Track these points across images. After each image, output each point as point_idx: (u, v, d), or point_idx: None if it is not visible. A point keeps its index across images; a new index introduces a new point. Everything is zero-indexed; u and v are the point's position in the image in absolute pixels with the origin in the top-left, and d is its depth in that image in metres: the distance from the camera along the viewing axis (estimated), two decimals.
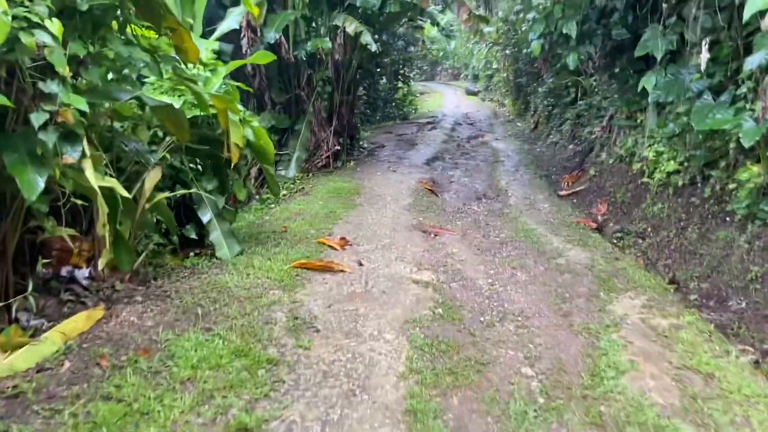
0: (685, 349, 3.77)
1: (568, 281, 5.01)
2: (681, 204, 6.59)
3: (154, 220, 5.09)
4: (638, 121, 8.53)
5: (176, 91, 5.58)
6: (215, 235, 5.38)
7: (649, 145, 7.72)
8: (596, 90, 11.39)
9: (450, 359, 3.54)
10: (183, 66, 4.58)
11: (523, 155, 11.98)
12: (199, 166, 5.67)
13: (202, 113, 5.37)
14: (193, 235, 5.53)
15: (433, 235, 6.31)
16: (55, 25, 3.10)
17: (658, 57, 6.51)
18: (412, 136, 15.01)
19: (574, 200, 9.20)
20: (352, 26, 9.69)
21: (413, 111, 23.28)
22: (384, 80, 20.59)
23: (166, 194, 4.93)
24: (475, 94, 28.68)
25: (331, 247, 5.60)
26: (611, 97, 9.70)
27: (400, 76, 21.46)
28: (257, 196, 8.57)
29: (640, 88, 6.34)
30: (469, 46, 30.28)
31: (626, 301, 4.63)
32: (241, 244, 5.49)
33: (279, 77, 10.97)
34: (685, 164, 6.66)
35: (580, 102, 12.20)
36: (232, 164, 5.11)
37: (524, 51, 20.15)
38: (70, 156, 3.31)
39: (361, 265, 5.14)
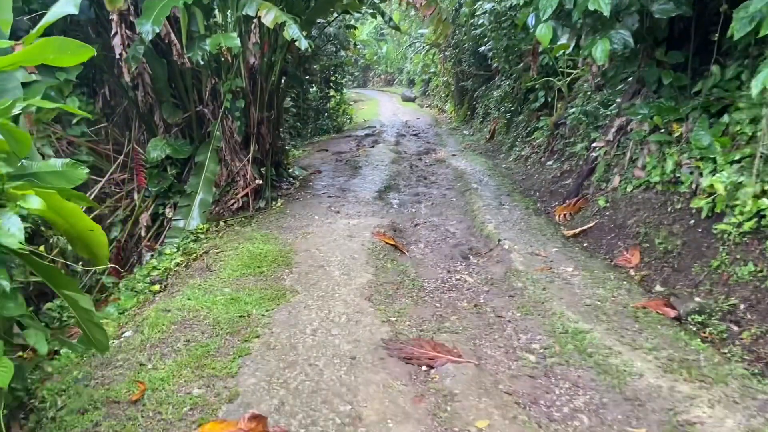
0: None
1: None
2: None
3: None
4: (676, 134, 5.91)
5: None
6: None
7: (713, 171, 5.08)
8: (588, 93, 8.76)
9: None
10: None
11: (496, 178, 9.19)
12: None
13: None
14: None
15: (425, 370, 3.34)
16: None
17: None
18: (352, 154, 11.99)
19: (585, 243, 6.47)
20: (270, 15, 6.60)
21: (348, 121, 20.32)
22: (314, 88, 17.51)
23: None
24: (412, 100, 25.99)
25: None
26: (624, 102, 7.06)
27: (331, 84, 18.45)
28: (117, 302, 5.37)
29: (758, 89, 3.65)
30: (402, 50, 27.63)
31: None
32: None
33: (172, 89, 7.74)
34: None
35: (572, 107, 9.54)
36: None
37: (467, 52, 17.63)
38: None
39: None
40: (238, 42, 6.65)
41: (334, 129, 17.99)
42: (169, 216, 7.26)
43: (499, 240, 6.02)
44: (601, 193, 7.26)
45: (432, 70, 22.82)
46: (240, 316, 4.04)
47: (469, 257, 5.78)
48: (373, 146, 13.17)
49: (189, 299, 4.40)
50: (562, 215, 7.49)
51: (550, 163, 9.59)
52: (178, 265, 5.80)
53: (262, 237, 6.04)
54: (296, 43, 6.66)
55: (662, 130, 6.25)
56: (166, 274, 5.68)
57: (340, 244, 5.75)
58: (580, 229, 6.81)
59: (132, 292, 5.48)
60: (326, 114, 18.21)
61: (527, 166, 10.34)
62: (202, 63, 6.82)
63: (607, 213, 6.81)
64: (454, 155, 11.74)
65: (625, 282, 4.87)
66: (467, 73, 18.07)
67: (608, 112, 7.87)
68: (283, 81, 9.12)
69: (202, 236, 6.63)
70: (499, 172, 9.64)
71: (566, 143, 9.40)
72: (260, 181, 7.78)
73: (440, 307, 4.44)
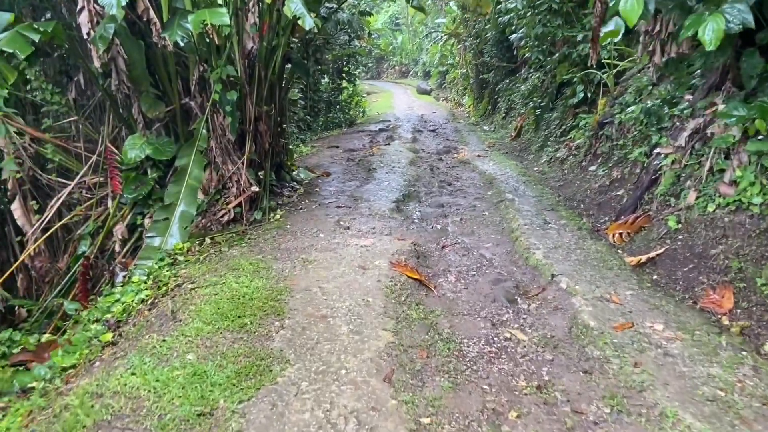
0: None
1: None
2: None
3: None
4: None
5: None
6: None
7: None
8: (649, 87, 7.26)
9: None
10: None
11: (533, 186, 7.71)
12: None
13: None
14: None
15: None
16: None
17: None
18: (365, 153, 10.55)
19: (655, 275, 5.03)
20: None
21: (361, 114, 18.86)
22: (325, 79, 16.07)
23: None
24: (427, 93, 24.42)
25: None
26: (698, 99, 5.58)
27: (344, 74, 16.99)
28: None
29: None
30: (418, 40, 26.02)
31: None
32: None
33: (153, 78, 6.35)
34: None
35: (620, 104, 8.03)
36: None
37: (489, 42, 16.07)
38: None
39: None
40: (226, 19, 5.22)
41: (346, 122, 16.55)
42: (148, 227, 5.90)
43: (553, 275, 4.59)
44: (669, 211, 5.79)
45: (449, 62, 21.26)
46: (199, 414, 2.65)
47: (516, 299, 4.35)
48: (387, 143, 11.71)
49: (134, 374, 3.02)
50: (617, 235, 6.03)
51: (593, 168, 8.10)
52: (143, 301, 4.43)
53: (252, 266, 4.64)
54: (299, 22, 5.23)
55: (760, 137, 4.78)
56: (126, 313, 4.32)
57: (350, 280, 4.33)
58: (646, 256, 5.35)
59: (82, 334, 4.12)
60: (338, 106, 16.77)
61: (564, 171, 8.85)
62: (182, 45, 5.41)
63: (680, 237, 5.36)
64: (478, 155, 10.26)
65: (741, 350, 3.41)
66: (489, 64, 16.52)
67: (675, 112, 6.37)
68: (287, 70, 7.69)
69: (181, 258, 5.25)
70: (535, 179, 8.16)
71: (613, 146, 7.91)
72: (256, 188, 6.39)
73: (490, 392, 3.03)
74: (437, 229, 6.07)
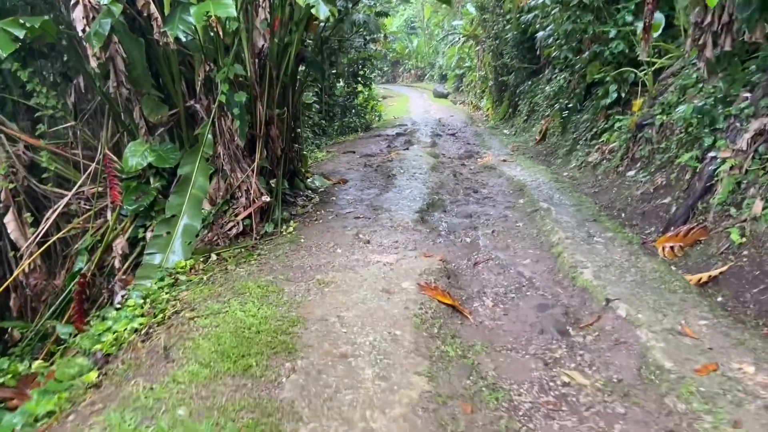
0: None
1: None
2: None
3: None
4: None
5: None
6: None
7: None
8: (700, 85, 6.54)
9: None
10: None
11: (568, 193, 7.00)
12: None
13: None
14: None
15: None
16: None
17: None
18: (383, 158, 9.91)
19: (720, 297, 4.32)
20: None
21: (377, 118, 18.28)
22: (341, 83, 15.49)
23: None
24: (444, 96, 23.75)
25: None
26: (760, 97, 4.87)
27: (359, 78, 16.40)
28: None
29: None
30: (434, 43, 25.38)
31: None
32: None
33: (154, 79, 5.78)
34: None
35: (662, 103, 7.30)
36: None
37: (510, 43, 15.36)
38: None
39: None
40: (233, 11, 4.61)
41: (362, 127, 15.95)
42: (148, 243, 5.31)
43: (608, 300, 3.90)
44: (730, 222, 5.07)
45: (467, 64, 20.58)
46: None
47: (568, 330, 3.67)
48: (406, 148, 11.07)
49: None
50: (667, 248, 5.31)
51: (632, 173, 7.37)
52: (136, 331, 3.82)
53: (260, 289, 4.01)
54: (313, 11, 4.61)
55: None
56: (116, 345, 3.72)
57: (373, 308, 3.68)
58: (707, 274, 4.63)
59: (65, 371, 3.53)
60: (353, 111, 16.18)
61: (597, 176, 8.13)
62: (184, 41, 4.82)
63: (746, 252, 4.65)
64: (503, 160, 9.57)
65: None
66: (509, 66, 15.82)
67: (732, 111, 5.65)
68: (300, 71, 7.09)
69: (183, 278, 4.65)
70: (569, 185, 7.45)
71: (654, 149, 7.19)
72: (268, 198, 5.77)
73: None
74: (467, 243, 5.40)
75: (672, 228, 5.67)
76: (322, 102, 13.96)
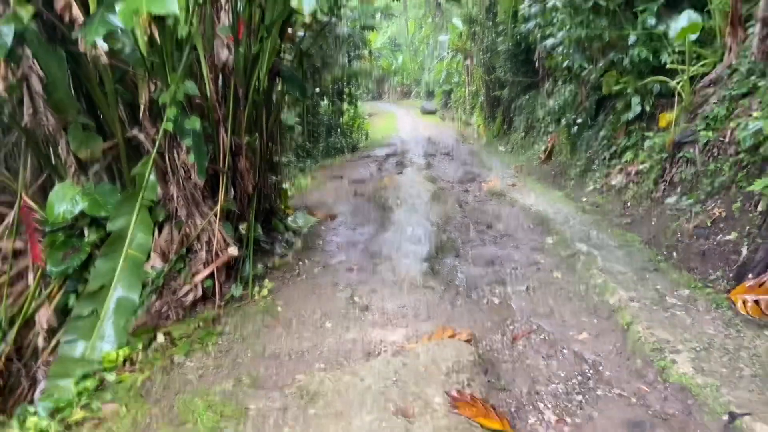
0: None
1: None
2: None
3: None
4: None
5: None
6: None
7: None
8: (733, 97, 5.30)
9: None
10: None
11: (607, 230, 5.68)
12: None
13: None
14: None
15: None
16: None
17: None
18: (375, 185, 8.56)
19: None
20: None
21: (364, 137, 16.97)
22: (325, 102, 14.20)
23: None
24: (432, 113, 22.54)
25: None
26: None
27: (344, 96, 15.11)
28: None
29: None
30: (420, 59, 24.24)
31: None
32: None
33: (84, 103, 4.38)
34: None
35: (705, 117, 6.02)
36: None
37: (503, 55, 14.18)
38: None
39: None
40: (174, 7, 3.25)
41: (348, 147, 14.63)
42: (66, 327, 3.87)
43: (732, 416, 2.56)
44: None
45: (455, 80, 19.40)
46: None
47: None
48: (400, 172, 9.74)
49: None
50: (749, 302, 4.01)
51: (672, 200, 6.08)
52: None
53: (212, 413, 2.61)
54: (295, 4, 3.28)
55: None
56: None
57: None
58: None
59: None
60: (339, 130, 14.87)
61: (626, 203, 6.85)
62: (105, 48, 3.45)
63: None
64: (513, 185, 8.26)
65: None
66: (502, 80, 14.62)
67: None
68: (274, 88, 5.72)
69: (111, 379, 3.23)
70: (603, 218, 6.14)
71: (699, 171, 5.93)
72: (236, 251, 4.38)
73: None
74: (495, 306, 4.04)
75: (749, 275, 4.36)
76: (305, 122, 12.63)
